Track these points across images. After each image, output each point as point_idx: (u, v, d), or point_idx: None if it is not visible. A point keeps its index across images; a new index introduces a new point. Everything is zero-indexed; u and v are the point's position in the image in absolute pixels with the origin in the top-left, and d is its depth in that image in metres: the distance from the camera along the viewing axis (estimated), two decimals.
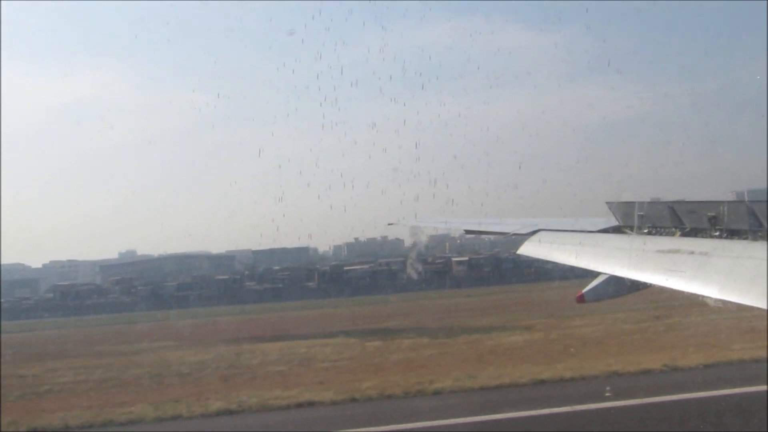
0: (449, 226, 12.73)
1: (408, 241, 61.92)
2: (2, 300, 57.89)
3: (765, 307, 3.67)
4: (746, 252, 4.53)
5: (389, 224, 11.84)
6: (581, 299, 7.11)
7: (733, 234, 4.94)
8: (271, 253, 69.01)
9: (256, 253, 69.97)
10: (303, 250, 70.83)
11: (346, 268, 65.58)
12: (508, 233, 9.03)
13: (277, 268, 65.53)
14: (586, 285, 7.09)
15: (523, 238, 8.42)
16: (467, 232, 10.76)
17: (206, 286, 61.73)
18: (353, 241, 73.11)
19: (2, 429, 18.46)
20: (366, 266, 64.29)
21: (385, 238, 72.38)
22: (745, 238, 4.76)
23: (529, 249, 8.09)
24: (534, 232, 8.26)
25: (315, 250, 73.65)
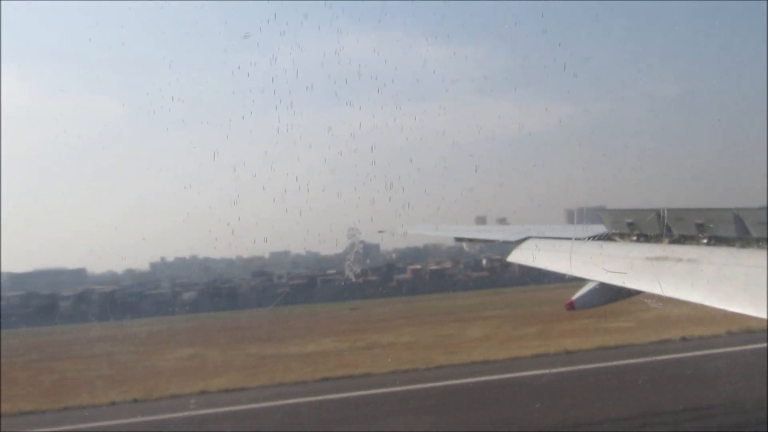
0: (438, 233, 12.75)
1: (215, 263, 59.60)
2: None
3: (752, 313, 3.71)
4: (734, 259, 4.57)
5: (379, 231, 11.83)
6: (571, 306, 7.13)
7: (720, 241, 5.00)
8: (38, 275, 56.00)
9: (13, 276, 56.14)
10: (79, 272, 58.17)
11: None
12: (498, 240, 9.06)
13: None
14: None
15: (512, 245, 8.46)
16: (457, 239, 10.79)
17: None
18: (159, 260, 65.45)
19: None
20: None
21: (195, 257, 66.31)
22: (733, 246, 4.81)
23: (518, 256, 8.12)
24: (523, 240, 8.30)
25: (84, 270, 60.19)
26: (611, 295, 6.70)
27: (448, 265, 62.37)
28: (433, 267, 61.53)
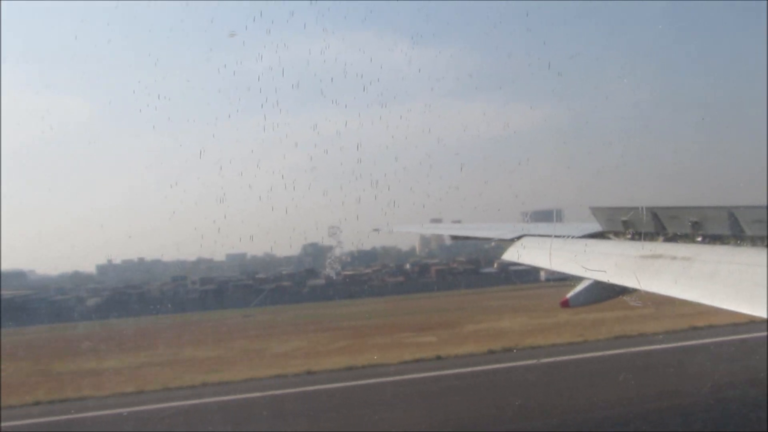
0: (433, 232, 12.76)
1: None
2: None
3: (748, 312, 3.72)
4: (728, 257, 4.59)
5: (374, 230, 11.81)
6: (566, 304, 7.15)
7: (715, 239, 5.01)
8: None
9: None
10: (18, 275, 55.07)
11: None
12: (493, 238, 9.06)
13: None
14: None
15: (507, 243, 8.46)
16: (453, 238, 10.79)
17: None
18: (105, 263, 60.29)
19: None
20: None
21: (142, 259, 61.06)
22: (728, 244, 4.82)
23: (513, 254, 8.12)
24: (518, 238, 8.30)
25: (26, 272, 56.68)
26: (606, 292, 6.71)
27: (368, 270, 61.48)
28: (349, 272, 60.21)
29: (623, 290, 6.20)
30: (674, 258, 5.03)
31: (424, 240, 63.08)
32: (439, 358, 23.70)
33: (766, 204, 4.60)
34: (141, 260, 61.21)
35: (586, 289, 7.09)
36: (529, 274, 54.79)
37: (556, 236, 7.67)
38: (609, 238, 6.52)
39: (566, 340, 25.45)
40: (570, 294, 7.19)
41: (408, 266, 61.12)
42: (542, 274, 56.11)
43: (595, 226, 6.91)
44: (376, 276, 60.27)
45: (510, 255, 8.16)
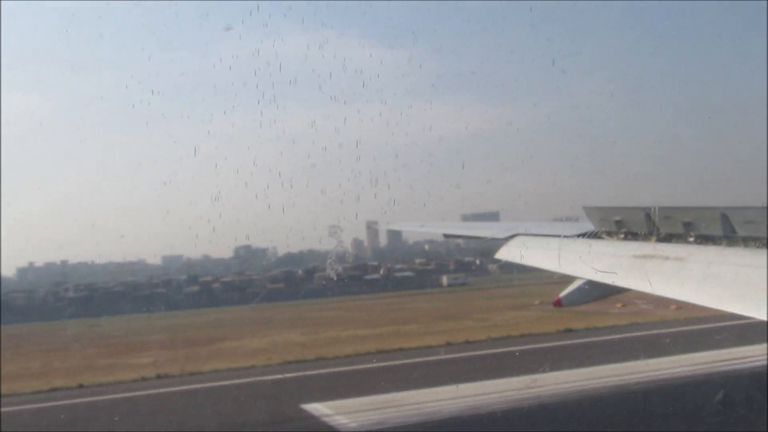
0: (427, 230, 12.74)
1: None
2: None
3: (740, 311, 3.74)
4: (720, 258, 4.61)
5: (369, 228, 11.78)
6: (558, 303, 7.16)
7: (708, 240, 5.03)
8: None
9: None
10: None
11: None
12: (486, 237, 9.06)
13: None
14: None
15: (500, 242, 8.46)
16: (446, 236, 10.78)
17: None
18: (26, 265, 56.80)
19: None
20: None
21: (65, 262, 58.04)
22: (720, 244, 4.84)
23: (506, 253, 8.12)
24: (511, 237, 8.30)
25: None
26: (599, 292, 6.73)
27: (256, 276, 60.46)
28: (225, 279, 59.01)
29: (615, 290, 6.22)
30: (667, 258, 5.05)
31: (357, 242, 62.88)
32: (81, 386, 22.06)
33: (762, 204, 4.62)
34: (64, 263, 59.27)
35: (578, 289, 7.10)
36: (413, 281, 54.12)
37: (549, 236, 7.68)
38: (602, 238, 6.53)
39: (260, 363, 24.66)
40: (563, 293, 7.21)
41: (300, 272, 60.30)
42: (445, 280, 55.43)
43: (588, 226, 6.92)
44: (260, 282, 59.07)
45: (503, 254, 8.16)
